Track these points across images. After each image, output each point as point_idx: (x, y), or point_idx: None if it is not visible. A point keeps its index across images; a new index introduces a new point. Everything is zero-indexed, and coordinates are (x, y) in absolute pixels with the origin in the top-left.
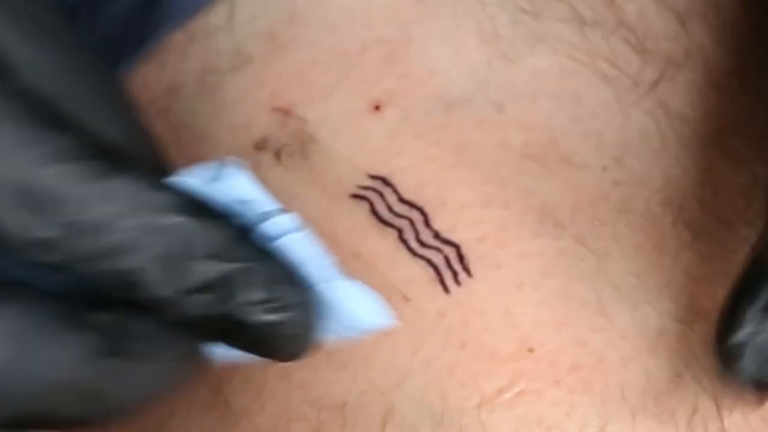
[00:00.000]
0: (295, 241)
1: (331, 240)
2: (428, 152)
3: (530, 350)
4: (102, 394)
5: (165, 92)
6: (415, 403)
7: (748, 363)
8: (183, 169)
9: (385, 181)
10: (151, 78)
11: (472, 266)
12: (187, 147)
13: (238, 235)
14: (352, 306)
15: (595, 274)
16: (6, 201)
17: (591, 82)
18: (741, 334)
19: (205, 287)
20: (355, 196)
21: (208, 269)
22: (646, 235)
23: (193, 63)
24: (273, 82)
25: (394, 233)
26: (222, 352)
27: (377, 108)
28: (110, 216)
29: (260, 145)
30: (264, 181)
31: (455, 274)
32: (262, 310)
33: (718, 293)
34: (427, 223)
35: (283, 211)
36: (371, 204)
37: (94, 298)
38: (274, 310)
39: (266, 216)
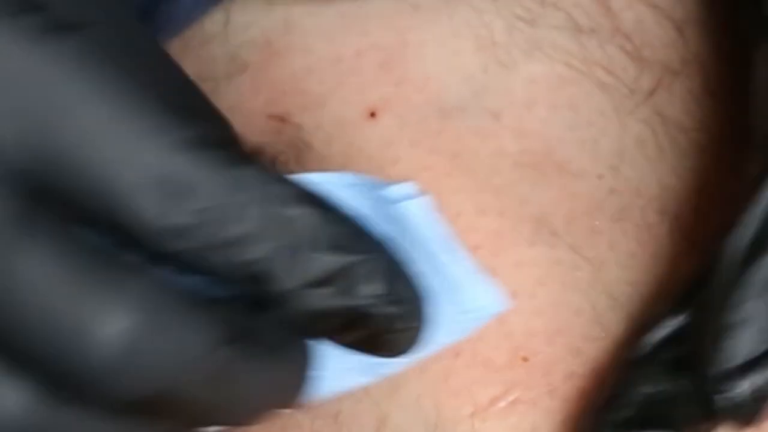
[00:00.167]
0: (416, 206)
1: None
2: (423, 160)
3: (524, 359)
4: (229, 384)
5: None
6: (408, 411)
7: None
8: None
9: None
10: None
11: None
12: None
13: (359, 227)
14: (471, 286)
15: (591, 283)
16: (142, 187)
17: (587, 89)
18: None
19: (326, 280)
20: None
21: (330, 260)
22: (642, 243)
23: (188, 70)
24: (268, 90)
25: None
26: (328, 383)
27: (373, 115)
28: (239, 205)
29: (255, 153)
30: None
31: None
32: (381, 303)
33: None
34: None
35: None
36: None
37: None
38: (392, 303)
39: (385, 185)
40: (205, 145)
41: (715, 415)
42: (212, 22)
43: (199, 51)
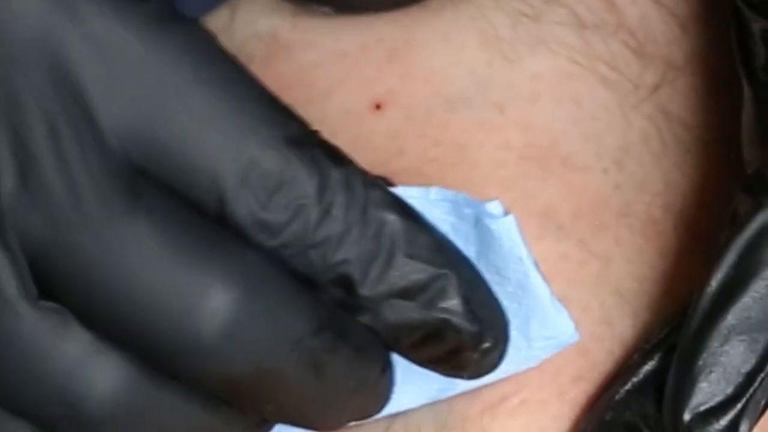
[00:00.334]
0: (501, 226)
1: None
2: (429, 152)
3: None
4: (324, 371)
5: None
6: (420, 407)
7: None
8: None
9: (386, 181)
10: None
11: None
12: None
13: (444, 241)
14: (546, 315)
15: (598, 279)
16: (241, 180)
17: (591, 85)
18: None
19: (407, 290)
20: None
21: (413, 270)
22: (648, 239)
23: None
24: (274, 83)
25: None
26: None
27: (378, 107)
28: (331, 205)
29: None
30: None
31: None
32: (459, 319)
33: None
34: None
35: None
36: None
37: None
38: (471, 321)
39: (471, 202)
40: (304, 144)
41: None
42: (218, 16)
43: None
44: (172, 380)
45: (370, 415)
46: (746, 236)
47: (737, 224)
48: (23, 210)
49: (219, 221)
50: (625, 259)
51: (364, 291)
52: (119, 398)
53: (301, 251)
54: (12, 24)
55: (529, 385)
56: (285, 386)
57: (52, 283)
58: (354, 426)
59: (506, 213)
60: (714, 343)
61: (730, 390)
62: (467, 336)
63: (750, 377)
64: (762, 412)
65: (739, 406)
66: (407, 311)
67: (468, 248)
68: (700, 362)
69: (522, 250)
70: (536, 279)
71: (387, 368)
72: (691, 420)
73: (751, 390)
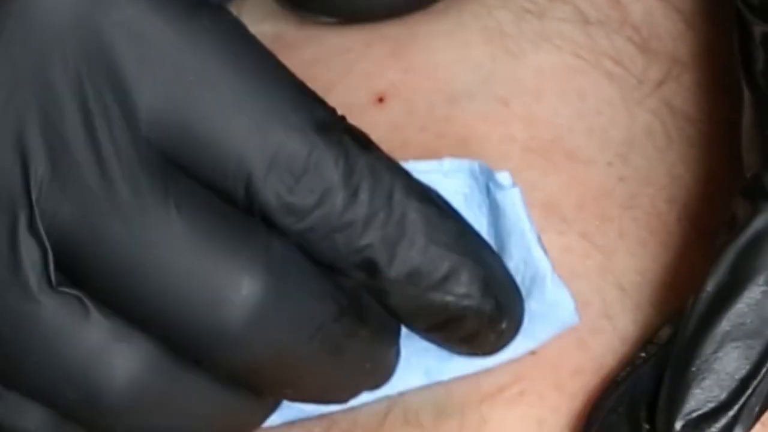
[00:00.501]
0: (510, 197)
1: None
2: (432, 144)
3: (532, 352)
4: (343, 354)
5: None
6: (419, 394)
7: None
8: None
9: None
10: None
11: None
12: None
13: (464, 226)
14: (547, 291)
15: (600, 272)
16: (266, 165)
17: (595, 79)
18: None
19: (430, 275)
20: None
21: (436, 256)
22: (652, 231)
23: None
24: None
25: None
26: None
27: (381, 100)
28: (354, 189)
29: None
30: None
31: None
32: (483, 303)
33: None
34: None
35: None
36: None
37: None
38: (493, 305)
39: (483, 171)
40: (331, 129)
41: None
42: None
43: None
44: (193, 366)
45: (377, 388)
46: (742, 241)
47: (734, 228)
48: (53, 196)
49: (246, 207)
50: (629, 252)
51: (388, 275)
52: (140, 384)
53: (327, 235)
54: (46, 12)
55: (528, 376)
56: (304, 370)
57: (77, 269)
58: (354, 411)
59: (514, 185)
60: (708, 350)
61: (723, 396)
62: (486, 319)
63: (744, 383)
64: (756, 419)
65: (732, 412)
66: (429, 295)
67: (480, 218)
68: (694, 368)
69: (525, 224)
70: (538, 253)
71: (398, 347)
72: (684, 427)
73: (744, 396)
